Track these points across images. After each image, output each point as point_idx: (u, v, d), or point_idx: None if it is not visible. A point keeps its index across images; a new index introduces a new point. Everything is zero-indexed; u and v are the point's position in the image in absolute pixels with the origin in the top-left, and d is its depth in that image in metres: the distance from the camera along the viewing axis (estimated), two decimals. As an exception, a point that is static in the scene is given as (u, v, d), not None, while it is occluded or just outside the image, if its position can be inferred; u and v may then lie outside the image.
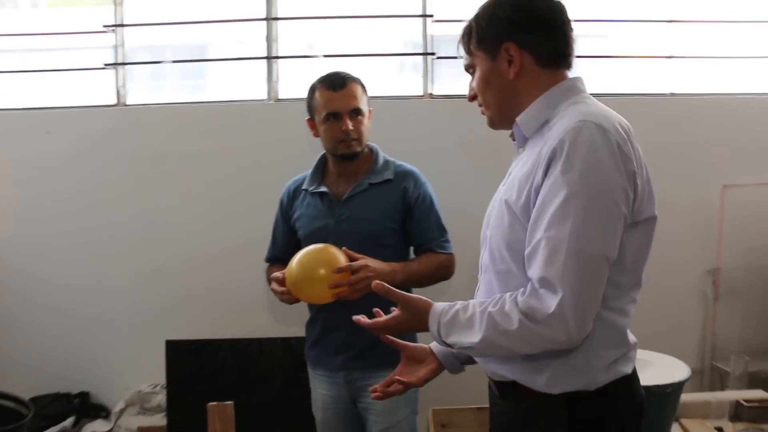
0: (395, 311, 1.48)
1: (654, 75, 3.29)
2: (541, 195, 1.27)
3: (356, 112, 2.13)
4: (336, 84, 2.13)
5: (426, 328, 1.42)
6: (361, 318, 1.54)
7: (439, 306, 1.41)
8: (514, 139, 1.50)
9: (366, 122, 2.18)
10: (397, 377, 1.62)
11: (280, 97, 3.18)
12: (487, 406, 2.67)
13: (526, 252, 1.29)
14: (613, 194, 1.25)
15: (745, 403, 2.36)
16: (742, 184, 3.10)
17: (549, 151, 1.28)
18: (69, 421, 2.83)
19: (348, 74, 2.18)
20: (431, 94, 3.19)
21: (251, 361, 2.65)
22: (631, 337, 1.42)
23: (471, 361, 1.58)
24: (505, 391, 1.46)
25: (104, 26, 3.14)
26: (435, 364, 1.65)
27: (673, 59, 3.27)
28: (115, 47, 3.15)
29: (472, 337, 1.32)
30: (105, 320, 3.07)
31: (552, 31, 1.40)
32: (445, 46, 3.22)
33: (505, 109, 1.45)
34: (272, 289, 2.09)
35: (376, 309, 1.59)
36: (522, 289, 1.29)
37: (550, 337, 1.25)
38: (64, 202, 3.05)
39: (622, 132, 1.31)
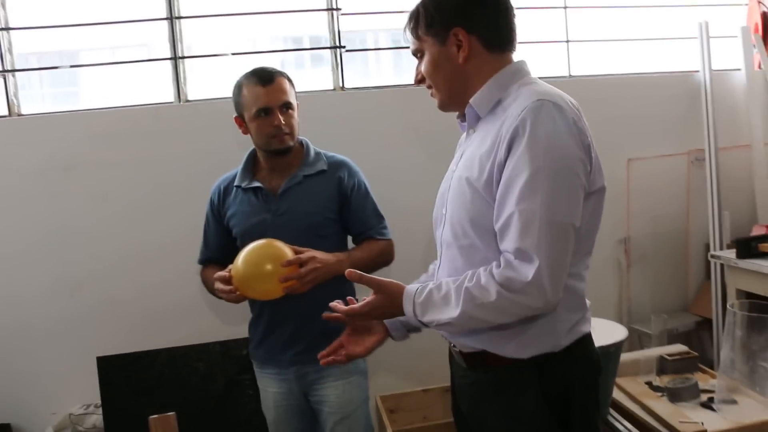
0: (369, 297, 1.52)
1: (553, 59, 3.45)
2: (507, 171, 1.33)
3: (287, 106, 2.12)
4: (264, 79, 2.11)
5: (401, 311, 1.45)
6: (337, 304, 1.58)
7: (412, 287, 1.45)
8: (462, 121, 1.57)
9: (296, 116, 2.17)
10: (344, 349, 1.70)
11: (189, 98, 3.09)
12: (434, 386, 2.76)
13: (498, 226, 1.35)
14: (575, 167, 1.34)
15: (668, 357, 2.53)
16: (644, 156, 3.32)
17: (510, 129, 1.34)
18: (-7, 456, 2.65)
19: (275, 69, 2.16)
20: (342, 87, 3.20)
21: (190, 369, 2.57)
22: (587, 300, 1.52)
23: (417, 329, 1.65)
24: (473, 361, 1.53)
25: (-10, 29, 2.94)
26: (382, 333, 1.71)
27: (570, 43, 3.44)
28: (1, 53, 2.95)
29: (450, 312, 1.37)
30: (21, 342, 2.86)
31: (498, 15, 1.48)
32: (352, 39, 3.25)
33: (456, 92, 1.52)
34: (217, 289, 2.04)
35: (349, 297, 1.64)
36: (495, 263, 1.35)
37: (529, 305, 1.32)
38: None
39: (575, 109, 1.40)
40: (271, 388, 2.25)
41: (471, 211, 1.43)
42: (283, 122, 2.10)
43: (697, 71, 3.44)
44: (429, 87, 1.55)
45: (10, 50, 2.96)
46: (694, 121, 3.40)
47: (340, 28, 3.18)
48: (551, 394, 1.43)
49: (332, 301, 2.14)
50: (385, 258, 2.23)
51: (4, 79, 2.95)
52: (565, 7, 3.44)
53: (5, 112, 2.96)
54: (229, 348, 2.59)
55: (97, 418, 2.71)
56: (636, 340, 3.22)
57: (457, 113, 1.59)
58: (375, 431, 2.31)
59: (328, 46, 3.21)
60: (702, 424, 2.08)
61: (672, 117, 3.43)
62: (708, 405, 2.25)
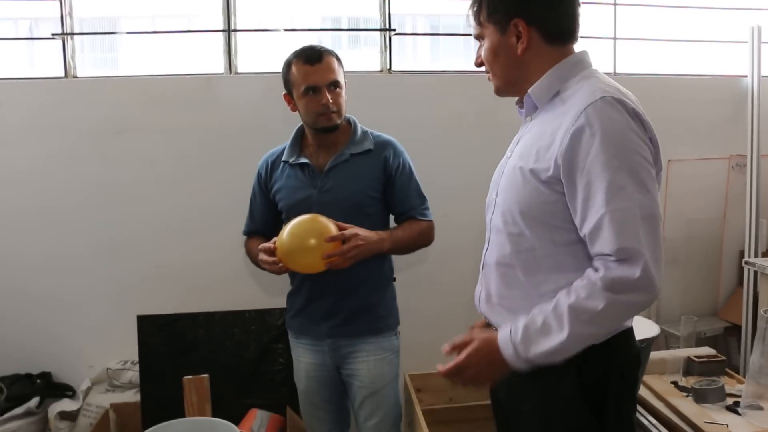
0: (462, 352, 1.47)
1: (599, 55, 3.44)
2: (584, 175, 1.34)
3: (334, 85, 2.15)
4: (313, 58, 2.14)
5: (499, 356, 1.42)
6: (439, 368, 1.51)
7: (503, 331, 1.43)
8: (521, 107, 1.59)
9: (344, 94, 2.20)
10: None
11: (239, 70, 3.15)
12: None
13: (587, 231, 1.35)
14: (647, 159, 1.35)
15: (696, 359, 2.55)
16: (685, 158, 3.32)
17: (575, 126, 1.35)
18: (33, 402, 2.74)
19: (323, 48, 2.18)
20: (390, 69, 3.24)
21: (226, 334, 2.64)
22: None
23: None
24: None
25: (52, -6, 3.02)
26: None
27: (617, 40, 3.44)
28: (62, 17, 3.03)
29: (556, 337, 1.35)
30: (65, 298, 2.98)
31: (560, 8, 1.49)
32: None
33: (512, 81, 1.55)
34: (261, 260, 2.10)
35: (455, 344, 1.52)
36: (590, 270, 1.35)
37: (640, 301, 1.32)
38: (18, 175, 2.93)
39: (637, 104, 1.41)
40: (304, 358, 2.31)
41: (521, 200, 1.46)
42: (330, 101, 2.13)
43: (745, 76, 3.41)
44: (487, 72, 1.57)
45: (70, 14, 3.04)
46: (738, 126, 3.38)
47: (391, 11, 3.22)
48: (588, 384, 1.44)
49: (371, 277, 2.23)
50: (424, 239, 2.27)
51: (63, 42, 3.04)
52: (615, 4, 3.43)
53: (62, 74, 3.05)
54: (264, 317, 2.67)
55: (133, 375, 2.81)
56: (663, 340, 3.24)
57: (515, 99, 1.61)
58: (402, 409, 2.37)
59: (378, 28, 3.25)
60: (727, 426, 2.10)
61: (716, 121, 3.41)
62: (733, 409, 2.26)
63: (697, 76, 3.45)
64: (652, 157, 1.37)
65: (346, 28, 3.50)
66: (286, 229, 2.02)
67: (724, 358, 2.61)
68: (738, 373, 2.64)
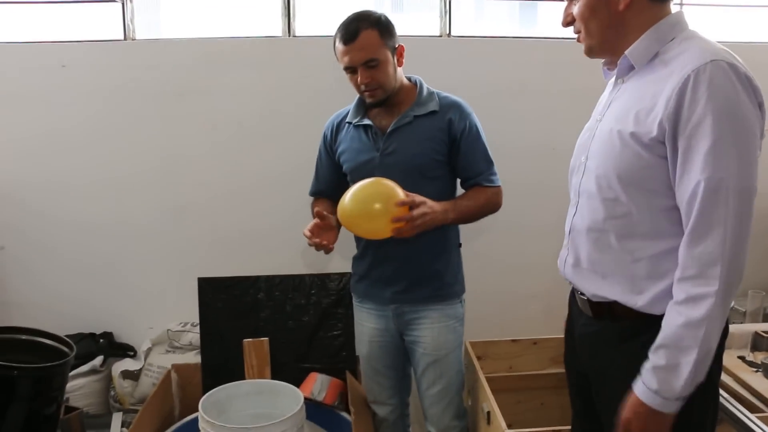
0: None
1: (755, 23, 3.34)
2: (686, 137, 1.29)
3: (371, 63, 2.06)
4: (347, 37, 2.06)
5: (657, 413, 1.36)
6: None
7: (639, 388, 1.38)
8: (609, 69, 1.53)
9: (388, 68, 2.10)
10: None
11: (297, 33, 3.12)
12: (522, 338, 2.78)
13: (682, 198, 1.32)
14: (755, 128, 1.30)
15: (764, 334, 2.48)
16: None
17: (681, 89, 1.29)
18: (98, 360, 2.81)
19: (363, 20, 2.07)
20: (449, 34, 3.18)
21: (285, 298, 2.65)
22: None
23: None
24: (601, 311, 1.51)
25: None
26: None
27: (683, 6, 3.31)
28: (121, -19, 3.03)
29: (687, 363, 1.31)
30: (126, 260, 3.03)
31: None
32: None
33: (609, 40, 1.46)
34: (304, 234, 2.08)
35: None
36: (677, 285, 1.32)
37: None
38: (81, 138, 2.96)
39: (746, 67, 1.33)
40: (368, 323, 2.31)
41: (620, 164, 1.40)
42: (367, 80, 2.07)
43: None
44: (578, 32, 1.50)
45: (129, -23, 3.04)
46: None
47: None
48: None
49: (435, 244, 2.20)
50: (491, 206, 2.20)
51: (123, 4, 3.03)
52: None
53: (121, 36, 3.05)
54: (324, 281, 2.66)
55: (193, 336, 2.84)
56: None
57: (603, 60, 1.55)
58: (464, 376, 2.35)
59: (438, -8, 3.18)
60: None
61: None
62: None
63: (742, 42, 3.28)
64: (759, 127, 1.31)
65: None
66: (349, 193, 1.97)
67: (799, 330, 2.54)
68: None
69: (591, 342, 1.56)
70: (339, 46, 2.08)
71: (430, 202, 2.00)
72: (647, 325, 1.41)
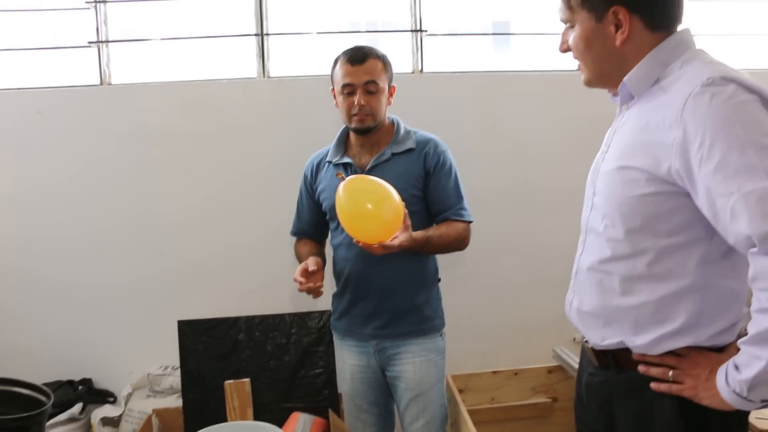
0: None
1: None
2: (704, 164, 1.18)
3: (371, 86, 2.14)
4: (355, 58, 2.15)
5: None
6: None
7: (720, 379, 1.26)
8: (614, 95, 1.45)
9: (382, 98, 2.18)
10: None
11: (272, 74, 3.16)
12: (503, 369, 2.78)
13: (722, 226, 1.20)
14: (766, 129, 1.19)
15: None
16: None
17: (683, 118, 1.21)
18: (76, 408, 2.76)
19: (372, 49, 2.19)
20: (422, 70, 3.23)
21: (266, 338, 2.64)
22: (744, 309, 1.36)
23: None
24: (605, 360, 1.44)
25: (86, 2, 3.04)
26: None
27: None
28: (97, 24, 3.06)
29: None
30: (103, 304, 3.00)
31: None
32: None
33: (607, 73, 1.40)
34: (295, 279, 2.10)
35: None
36: (752, 274, 1.18)
37: None
38: (58, 182, 2.96)
39: (750, 78, 1.24)
40: (349, 360, 2.31)
41: (622, 202, 1.33)
42: (363, 102, 2.13)
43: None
44: (575, 58, 1.43)
45: (105, 22, 3.07)
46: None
47: (421, 13, 3.21)
48: (689, 406, 1.31)
49: (414, 279, 2.22)
50: (458, 241, 2.21)
51: (98, 49, 3.06)
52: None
53: (97, 81, 3.07)
54: (304, 320, 2.65)
55: (174, 380, 2.82)
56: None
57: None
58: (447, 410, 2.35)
59: (409, 29, 3.24)
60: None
61: None
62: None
63: (751, 69, 3.37)
64: None
65: (377, 30, 3.49)
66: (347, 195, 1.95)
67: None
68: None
69: (597, 393, 1.49)
70: (344, 66, 2.16)
71: (408, 237, 2.00)
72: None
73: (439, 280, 2.31)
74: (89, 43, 3.05)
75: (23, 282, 2.97)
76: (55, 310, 2.98)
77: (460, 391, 2.57)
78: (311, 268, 2.09)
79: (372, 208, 1.91)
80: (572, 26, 1.40)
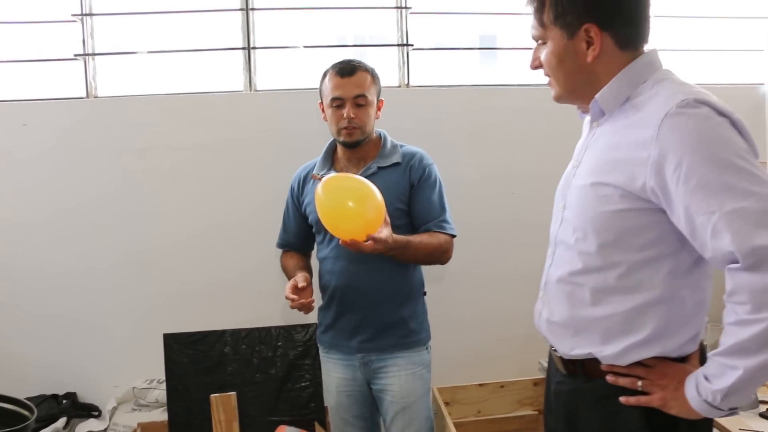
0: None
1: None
2: (681, 184, 1.22)
3: (360, 100, 2.16)
4: (345, 71, 2.17)
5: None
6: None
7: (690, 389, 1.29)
8: (584, 112, 1.49)
9: (371, 111, 2.20)
10: None
11: (258, 88, 3.17)
12: (489, 382, 2.79)
13: (698, 240, 1.23)
14: (744, 151, 1.22)
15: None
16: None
17: (658, 138, 1.24)
18: (60, 423, 2.73)
19: (361, 63, 2.21)
20: (408, 84, 3.26)
21: (252, 351, 2.64)
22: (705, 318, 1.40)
23: None
24: (573, 368, 1.46)
25: (72, 15, 3.05)
26: None
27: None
28: (83, 37, 3.06)
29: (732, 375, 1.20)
30: (88, 317, 2.99)
31: (637, 12, 1.37)
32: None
33: (578, 89, 1.43)
34: (286, 296, 2.09)
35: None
36: (730, 288, 1.21)
37: None
38: (43, 195, 2.95)
39: (720, 100, 1.29)
40: (335, 373, 2.30)
41: (594, 217, 1.36)
42: (352, 115, 2.15)
43: (762, 84, 3.42)
44: (547, 76, 1.46)
45: (92, 35, 3.07)
46: (756, 133, 3.35)
47: (408, 27, 3.24)
48: (656, 415, 1.34)
49: (400, 292, 2.22)
50: (441, 253, 2.20)
51: (85, 62, 3.06)
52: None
53: (83, 94, 3.07)
54: (290, 333, 2.66)
55: (159, 393, 2.80)
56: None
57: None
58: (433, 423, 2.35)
59: (396, 43, 3.26)
60: (763, 434, 2.09)
61: None
62: (766, 416, 2.25)
63: (712, 84, 3.43)
64: (749, 148, 1.24)
65: (365, 44, 3.52)
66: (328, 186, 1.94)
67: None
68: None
69: (565, 401, 1.51)
70: (334, 78, 2.17)
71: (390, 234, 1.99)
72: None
73: (425, 293, 2.32)
74: (75, 55, 3.05)
75: (7, 296, 2.95)
76: (39, 323, 2.96)
77: (447, 403, 2.58)
78: (300, 284, 2.09)
79: (353, 206, 1.90)
80: (544, 43, 1.43)
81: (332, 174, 2.07)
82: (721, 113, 1.24)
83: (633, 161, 1.29)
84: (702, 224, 1.21)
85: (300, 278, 2.12)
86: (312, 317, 2.42)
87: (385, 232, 1.95)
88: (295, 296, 2.06)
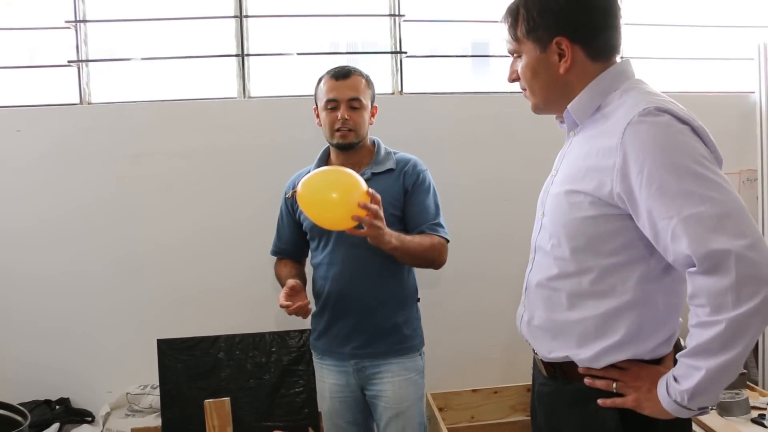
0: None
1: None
2: (644, 189, 1.25)
3: (355, 104, 2.19)
4: (340, 74, 2.20)
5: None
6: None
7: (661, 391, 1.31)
8: (561, 122, 1.53)
9: (365, 115, 2.23)
10: None
11: (252, 94, 3.18)
12: (483, 387, 2.80)
13: (660, 243, 1.26)
14: (703, 157, 1.25)
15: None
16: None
17: (621, 146, 1.28)
18: (53, 428, 2.72)
19: (356, 69, 2.24)
20: (401, 91, 3.27)
21: (246, 357, 2.63)
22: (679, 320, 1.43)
23: None
24: (553, 371, 1.50)
25: (66, 21, 3.05)
26: None
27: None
28: (77, 44, 3.07)
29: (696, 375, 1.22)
30: (82, 323, 2.98)
31: (606, 23, 1.41)
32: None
33: (553, 100, 1.47)
34: (281, 305, 2.09)
35: None
36: (691, 291, 1.24)
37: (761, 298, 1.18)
38: (36, 201, 2.95)
39: (686, 111, 1.32)
40: (328, 379, 2.31)
41: (567, 223, 1.40)
42: (347, 116, 2.17)
43: (753, 92, 3.46)
44: (523, 89, 1.51)
45: (85, 41, 3.08)
46: (747, 141, 3.40)
47: (401, 34, 3.25)
48: (632, 416, 1.37)
49: (394, 298, 2.23)
50: (436, 254, 2.19)
51: (78, 68, 3.06)
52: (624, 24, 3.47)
53: (77, 100, 3.07)
54: (284, 339, 2.65)
55: (153, 399, 2.80)
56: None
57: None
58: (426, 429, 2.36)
59: (389, 50, 3.28)
60: (755, 438, 2.11)
61: (725, 136, 3.31)
62: (759, 421, 2.27)
63: (704, 93, 3.48)
64: (709, 155, 1.27)
65: (358, 51, 3.54)
66: (309, 178, 1.98)
67: (745, 371, 2.62)
68: (757, 386, 2.64)
69: (546, 402, 1.55)
70: (329, 82, 2.20)
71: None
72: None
73: (419, 299, 2.33)
74: (69, 62, 3.05)
75: (0, 300, 2.93)
76: (33, 329, 2.95)
77: (440, 409, 2.59)
78: (291, 285, 2.11)
79: (337, 196, 1.92)
80: (519, 56, 1.48)
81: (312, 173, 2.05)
82: (683, 121, 1.28)
83: (601, 169, 1.33)
84: (663, 228, 1.25)
85: (291, 283, 2.13)
86: (306, 323, 2.43)
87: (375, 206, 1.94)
88: (289, 302, 2.07)
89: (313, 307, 2.33)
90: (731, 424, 2.21)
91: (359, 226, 1.93)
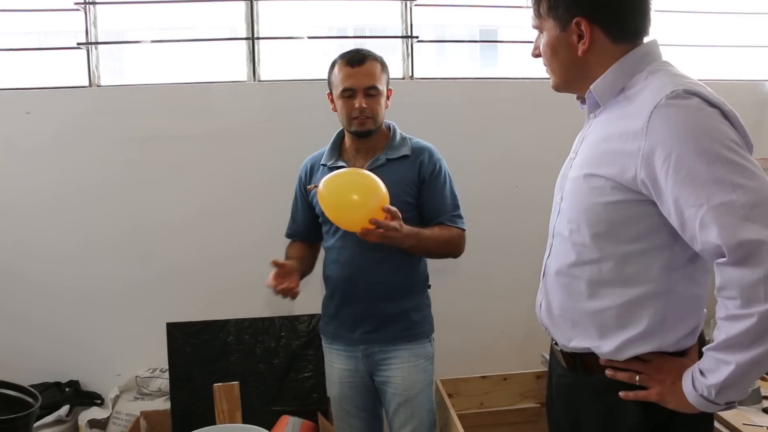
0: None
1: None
2: (671, 176, 1.21)
3: (372, 90, 2.16)
4: (354, 60, 2.16)
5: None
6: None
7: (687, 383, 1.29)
8: (582, 103, 1.50)
9: (382, 101, 2.20)
10: None
11: (262, 78, 3.16)
12: (492, 374, 2.80)
13: (687, 232, 1.23)
14: (734, 143, 1.21)
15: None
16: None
17: (648, 129, 1.24)
18: (63, 410, 2.74)
19: (369, 52, 2.20)
20: (412, 76, 3.25)
21: (255, 341, 2.64)
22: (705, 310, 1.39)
23: None
24: (573, 362, 1.47)
25: (75, 3, 3.03)
26: None
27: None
28: (86, 26, 3.05)
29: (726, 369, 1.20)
30: (91, 306, 2.98)
31: (630, 7, 1.37)
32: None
33: (573, 79, 1.45)
34: (267, 286, 2.09)
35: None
36: (719, 282, 1.21)
37: None
38: (46, 184, 2.94)
39: (712, 91, 1.28)
40: (337, 364, 2.31)
41: (587, 209, 1.37)
42: (364, 105, 2.14)
43: (766, 80, 3.42)
44: (545, 65, 1.48)
45: (95, 24, 3.06)
46: (763, 129, 3.36)
47: (413, 19, 3.23)
48: (654, 409, 1.35)
49: (404, 284, 2.22)
50: (452, 246, 2.21)
51: (88, 51, 3.05)
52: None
53: (86, 83, 3.06)
54: (294, 323, 2.66)
55: (162, 382, 2.81)
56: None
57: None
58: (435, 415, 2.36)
59: (400, 35, 3.26)
60: (766, 428, 2.09)
61: None
62: (769, 411, 2.26)
63: (719, 80, 3.44)
64: (740, 140, 1.23)
65: (370, 36, 3.52)
66: (335, 176, 1.99)
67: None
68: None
69: (566, 394, 1.52)
70: (344, 68, 2.16)
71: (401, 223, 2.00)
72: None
73: (429, 286, 2.32)
74: (78, 44, 3.03)
75: (10, 284, 2.94)
76: (43, 312, 2.95)
77: (450, 395, 2.58)
78: (281, 265, 2.09)
79: (357, 198, 1.92)
80: (542, 32, 1.46)
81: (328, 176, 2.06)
82: (712, 104, 1.24)
83: (624, 153, 1.29)
84: (691, 217, 1.21)
85: (282, 263, 2.11)
86: (316, 307, 2.42)
87: (395, 222, 1.96)
88: (273, 282, 2.06)
89: (322, 292, 2.34)
90: (742, 413, 2.20)
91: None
